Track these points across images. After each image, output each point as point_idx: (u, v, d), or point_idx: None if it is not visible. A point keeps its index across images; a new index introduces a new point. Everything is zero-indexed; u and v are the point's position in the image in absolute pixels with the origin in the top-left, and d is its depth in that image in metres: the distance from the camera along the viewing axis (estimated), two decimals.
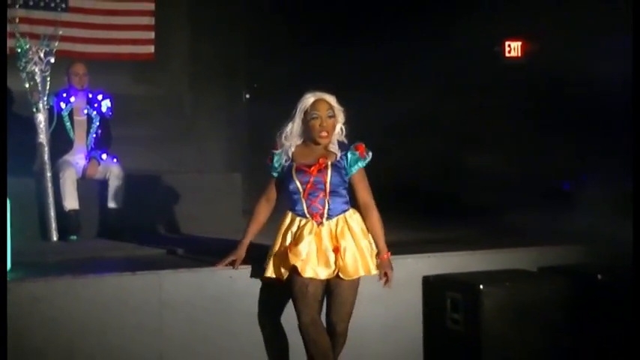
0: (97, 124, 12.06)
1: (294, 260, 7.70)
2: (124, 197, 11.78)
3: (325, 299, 8.02)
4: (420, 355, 9.13)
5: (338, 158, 7.84)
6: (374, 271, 7.89)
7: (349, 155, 7.83)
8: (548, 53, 16.23)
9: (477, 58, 16.30)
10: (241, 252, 8.28)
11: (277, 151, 7.98)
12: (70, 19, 15.16)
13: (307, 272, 7.69)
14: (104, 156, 11.94)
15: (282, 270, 7.86)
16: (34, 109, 11.51)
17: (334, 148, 7.86)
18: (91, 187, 11.88)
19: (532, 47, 16.56)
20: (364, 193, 7.92)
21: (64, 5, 15.34)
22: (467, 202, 12.52)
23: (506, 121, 15.52)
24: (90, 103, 12.07)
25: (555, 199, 12.64)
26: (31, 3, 15.06)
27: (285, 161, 7.93)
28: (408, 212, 12.65)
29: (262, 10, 16.44)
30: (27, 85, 11.49)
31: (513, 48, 16.65)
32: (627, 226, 9.78)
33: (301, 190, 7.81)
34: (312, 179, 7.79)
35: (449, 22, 15.66)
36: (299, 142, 7.93)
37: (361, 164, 7.88)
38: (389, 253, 7.88)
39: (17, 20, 13.78)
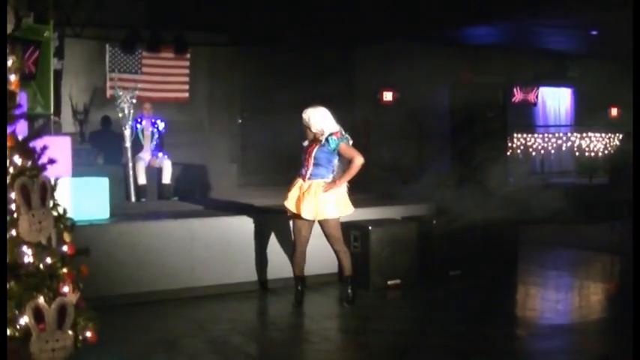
0: (157, 136, 12.11)
1: (285, 201, 7.71)
2: (171, 177, 11.90)
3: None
4: (336, 265, 8.91)
5: (322, 143, 7.56)
6: (326, 216, 7.63)
7: (329, 139, 7.54)
8: (406, 99, 16.38)
9: (367, 101, 16.40)
10: None
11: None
12: (143, 78, 15.24)
13: (292, 209, 7.65)
14: (160, 154, 12.04)
15: (288, 208, 7.71)
16: (124, 128, 11.63)
17: (323, 137, 7.56)
18: (153, 172, 11.97)
19: (398, 95, 16.62)
20: (348, 155, 7.59)
21: (139, 71, 15.42)
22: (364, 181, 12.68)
23: (383, 135, 15.65)
24: (153, 124, 12.13)
25: (411, 179, 12.79)
26: (122, 70, 15.18)
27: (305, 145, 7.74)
28: None
29: (250, 68, 16.48)
30: (120, 115, 11.61)
31: (387, 95, 16.69)
32: (448, 194, 10.05)
33: (303, 162, 7.67)
34: (305, 156, 7.65)
35: (352, 79, 15.81)
36: (308, 141, 7.74)
37: (339, 142, 7.55)
38: (338, 183, 7.57)
39: (115, 79, 14.02)
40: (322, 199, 7.60)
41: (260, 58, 16.23)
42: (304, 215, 7.62)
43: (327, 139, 7.60)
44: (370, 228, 8.87)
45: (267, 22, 14.61)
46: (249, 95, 16.96)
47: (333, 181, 7.64)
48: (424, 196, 10.49)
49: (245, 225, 8.89)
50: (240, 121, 17.32)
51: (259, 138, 15.94)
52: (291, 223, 8.13)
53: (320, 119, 7.67)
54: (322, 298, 8.55)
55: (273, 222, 8.97)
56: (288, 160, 15.33)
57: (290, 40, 15.41)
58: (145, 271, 8.19)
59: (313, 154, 7.62)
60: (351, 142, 7.69)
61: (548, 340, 6.81)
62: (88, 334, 4.75)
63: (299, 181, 7.71)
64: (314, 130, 7.67)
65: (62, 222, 4.82)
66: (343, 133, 7.69)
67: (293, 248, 7.94)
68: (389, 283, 8.89)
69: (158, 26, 15.33)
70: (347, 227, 9.04)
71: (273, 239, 8.92)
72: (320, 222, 7.74)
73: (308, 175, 7.64)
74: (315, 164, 7.62)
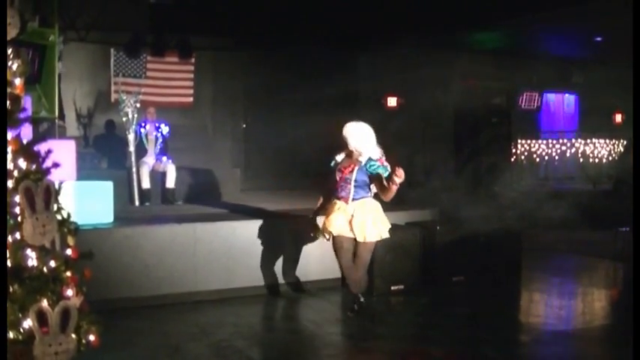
0: (161, 140, 12.14)
1: (328, 225, 7.39)
2: (175, 181, 11.91)
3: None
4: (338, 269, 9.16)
5: (363, 165, 7.29)
6: (369, 239, 7.38)
7: (371, 164, 7.26)
8: (410, 104, 16.40)
9: (371, 106, 16.39)
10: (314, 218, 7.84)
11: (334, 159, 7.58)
12: (147, 82, 15.29)
13: (343, 233, 7.34)
14: (164, 158, 12.06)
15: (326, 232, 7.47)
16: (128, 132, 11.68)
17: (362, 159, 7.30)
18: (157, 176, 11.97)
19: (402, 101, 16.64)
20: (378, 185, 7.26)
21: (143, 75, 15.46)
22: None
23: (387, 141, 15.62)
24: (156, 129, 12.16)
25: (415, 185, 12.73)
26: (126, 74, 15.23)
27: (334, 164, 7.52)
28: None
29: (255, 73, 16.47)
30: (124, 119, 11.67)
31: (391, 101, 16.71)
32: (452, 199, 10.04)
33: (338, 181, 7.42)
34: (343, 176, 7.37)
35: (357, 84, 15.81)
36: (343, 155, 7.50)
37: (381, 170, 7.25)
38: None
39: (120, 83, 14.07)
40: (375, 220, 7.42)
41: (265, 63, 16.25)
42: (369, 238, 7.41)
43: (368, 163, 7.35)
44: None
45: (272, 27, 14.64)
46: (253, 100, 17.01)
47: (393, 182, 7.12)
48: (428, 201, 10.49)
49: (248, 230, 8.90)
50: (244, 125, 17.35)
51: (263, 143, 15.96)
52: (325, 241, 7.77)
53: (360, 139, 7.41)
54: (325, 303, 8.55)
55: (276, 227, 9.00)
56: (292, 165, 15.44)
57: (295, 45, 15.43)
58: (149, 275, 8.20)
59: (354, 176, 7.40)
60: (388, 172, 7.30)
61: (552, 346, 6.81)
62: (91, 337, 4.75)
63: (340, 205, 7.45)
64: (351, 148, 7.42)
65: (66, 225, 4.82)
66: (384, 160, 7.40)
67: (341, 267, 7.69)
68: (392, 288, 8.90)
69: (162, 30, 15.38)
70: None
71: (276, 244, 8.93)
72: (360, 242, 7.47)
73: (351, 197, 7.39)
74: (356, 186, 7.40)
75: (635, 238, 5.87)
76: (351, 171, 7.39)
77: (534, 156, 19.96)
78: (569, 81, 21.19)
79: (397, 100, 16.83)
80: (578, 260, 11.60)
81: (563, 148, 20.48)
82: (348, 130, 7.44)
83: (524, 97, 20.81)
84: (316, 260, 8.90)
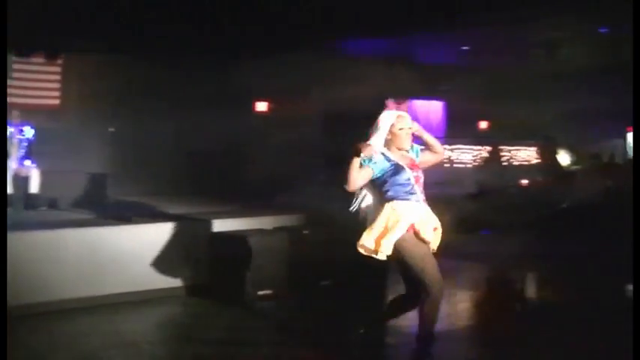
0: (24, 144, 11.84)
1: (423, 233, 6.12)
2: (39, 186, 11.63)
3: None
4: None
5: (413, 156, 6.25)
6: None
7: (415, 149, 6.28)
8: (280, 109, 16.52)
9: (242, 110, 16.37)
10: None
11: (377, 154, 6.02)
12: (12, 84, 14.87)
13: (427, 237, 6.13)
14: (27, 162, 11.77)
15: (395, 246, 6.09)
16: None
17: (410, 150, 6.25)
18: (20, 181, 11.66)
19: (272, 105, 16.72)
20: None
21: (9, 76, 15.07)
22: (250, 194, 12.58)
23: (257, 145, 15.64)
24: (20, 132, 11.82)
25: (285, 189, 12.79)
26: None
27: (389, 162, 6.06)
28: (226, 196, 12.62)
29: (124, 76, 16.20)
30: None
31: (261, 106, 16.79)
32: (321, 204, 10.13)
33: (413, 182, 6.05)
34: (418, 174, 6.17)
35: (226, 89, 15.75)
36: (378, 147, 6.10)
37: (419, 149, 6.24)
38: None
39: None
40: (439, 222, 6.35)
41: (134, 65, 16.03)
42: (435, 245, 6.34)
43: (413, 151, 6.37)
44: (242, 238, 8.91)
45: (142, 29, 14.48)
46: (122, 102, 16.73)
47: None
48: (297, 205, 10.58)
49: (116, 235, 8.82)
50: (112, 129, 17.07)
51: (131, 147, 15.75)
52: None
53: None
54: (195, 310, 8.53)
55: (144, 232, 8.97)
56: (160, 170, 15.26)
57: (164, 48, 15.30)
58: (11, 285, 7.78)
59: (421, 172, 6.32)
60: None
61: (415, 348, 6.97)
62: None
63: (417, 206, 6.18)
64: (404, 143, 6.29)
65: None
66: None
67: (431, 286, 6.22)
68: (259, 293, 8.90)
69: (29, 31, 14.98)
70: (224, 237, 9.11)
71: (145, 249, 8.86)
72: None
73: (424, 197, 6.25)
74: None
75: (635, 242, 6.03)
76: (417, 166, 6.29)
77: None
78: (436, 88, 21.72)
79: (268, 105, 16.92)
80: (442, 263, 11.86)
81: None
82: (405, 117, 6.34)
83: (392, 104, 21.21)
84: (185, 266, 8.89)
